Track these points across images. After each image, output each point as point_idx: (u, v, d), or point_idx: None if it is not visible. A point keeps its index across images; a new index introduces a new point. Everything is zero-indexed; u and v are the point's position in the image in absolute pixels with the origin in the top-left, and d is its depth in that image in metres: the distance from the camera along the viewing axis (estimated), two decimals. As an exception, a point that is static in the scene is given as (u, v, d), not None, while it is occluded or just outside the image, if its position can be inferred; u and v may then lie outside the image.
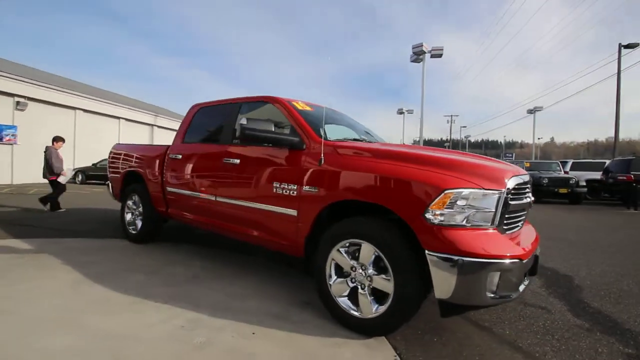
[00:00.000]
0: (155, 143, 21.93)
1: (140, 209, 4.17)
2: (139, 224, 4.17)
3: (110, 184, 4.79)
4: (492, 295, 1.85)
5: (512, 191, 2.04)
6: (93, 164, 15.96)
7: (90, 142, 17.68)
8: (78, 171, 15.82)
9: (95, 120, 18.28)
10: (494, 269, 1.80)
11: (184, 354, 1.85)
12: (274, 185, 2.59)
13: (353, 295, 2.21)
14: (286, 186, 2.51)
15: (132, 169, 4.29)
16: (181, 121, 3.82)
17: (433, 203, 1.86)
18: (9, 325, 2.06)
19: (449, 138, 53.63)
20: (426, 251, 1.87)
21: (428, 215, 1.87)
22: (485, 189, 1.90)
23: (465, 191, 1.86)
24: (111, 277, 2.94)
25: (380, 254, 2.04)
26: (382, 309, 2.04)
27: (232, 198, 2.94)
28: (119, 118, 19.89)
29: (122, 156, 4.59)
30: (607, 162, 13.02)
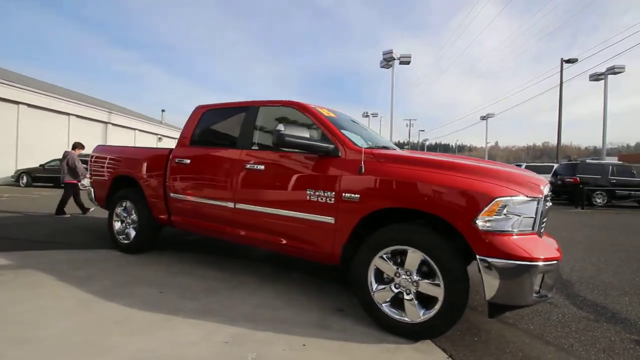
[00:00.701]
0: (109, 142, 20.35)
1: (133, 217, 3.87)
2: (132, 233, 3.87)
3: (92, 189, 4.38)
4: (536, 295, 1.99)
5: (545, 198, 2.22)
6: (41, 165, 14.45)
7: (37, 141, 16.00)
8: (22, 173, 14.23)
9: (41, 116, 16.56)
10: (539, 270, 1.95)
11: (244, 372, 1.76)
12: (308, 192, 2.55)
13: (396, 301, 2.25)
14: (322, 193, 2.49)
15: (124, 173, 3.96)
16: (185, 124, 3.61)
17: (484, 210, 1.96)
18: (35, 355, 1.82)
19: (408, 141, 56.06)
20: (477, 256, 1.97)
21: (479, 222, 1.97)
22: (528, 197, 2.04)
23: (513, 199, 1.99)
24: (121, 293, 2.71)
25: (429, 260, 2.10)
26: (431, 313, 2.11)
27: (256, 205, 2.84)
28: (69, 114, 18.21)
29: (108, 159, 4.22)
30: (556, 165, 14.46)
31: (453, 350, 2.07)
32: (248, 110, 3.19)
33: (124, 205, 3.97)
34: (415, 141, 63.65)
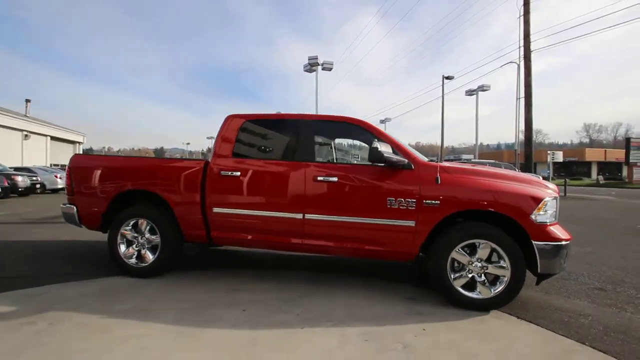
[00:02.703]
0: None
1: (149, 236, 3.48)
2: (149, 254, 3.47)
3: (74, 208, 3.67)
4: (564, 265, 2.86)
5: (555, 195, 3.13)
6: None
7: None
8: None
9: None
10: (567, 247, 2.81)
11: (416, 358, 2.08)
12: (389, 200, 2.92)
13: (467, 284, 2.85)
14: (403, 201, 2.89)
15: (135, 187, 3.49)
16: (219, 134, 3.43)
17: (537, 208, 2.72)
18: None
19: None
20: (534, 242, 2.72)
21: (533, 217, 2.73)
22: (555, 195, 2.89)
23: (549, 198, 2.81)
24: (204, 318, 2.57)
25: (497, 248, 2.76)
26: (499, 289, 2.77)
27: (331, 214, 3.04)
28: None
29: (103, 171, 3.62)
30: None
31: (515, 312, 2.78)
32: (304, 123, 3.31)
33: (131, 224, 3.50)
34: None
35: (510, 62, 21.08)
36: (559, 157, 20.04)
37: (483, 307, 2.81)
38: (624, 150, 32.73)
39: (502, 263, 2.78)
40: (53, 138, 29.33)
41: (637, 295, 3.26)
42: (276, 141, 3.48)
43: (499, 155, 50.62)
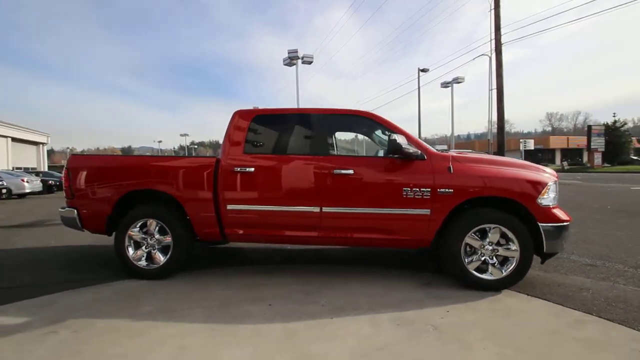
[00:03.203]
0: None
1: (159, 237, 3.41)
2: (160, 255, 3.40)
3: (76, 211, 3.51)
4: (564, 245, 3.08)
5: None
6: None
7: None
8: None
9: None
10: (568, 228, 3.03)
11: (455, 346, 2.20)
12: (404, 190, 3.02)
13: (479, 266, 3.02)
14: (418, 190, 3.00)
15: (144, 187, 3.39)
16: (228, 130, 3.39)
17: (542, 192, 2.92)
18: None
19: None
20: (540, 224, 2.91)
21: (539, 201, 2.92)
22: (555, 180, 3.10)
23: (551, 183, 3.01)
24: (232, 315, 2.58)
25: (507, 231, 2.94)
26: (510, 270, 2.96)
27: (349, 206, 3.10)
28: None
29: (106, 171, 3.49)
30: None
31: (524, 290, 2.98)
32: (315, 117, 3.33)
33: (139, 225, 3.41)
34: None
35: (482, 54, 21.88)
36: (530, 145, 21.18)
37: (495, 287, 2.99)
38: (586, 137, 34.95)
39: (511, 245, 2.97)
40: (15, 139, 27.48)
41: (625, 269, 3.57)
42: (288, 136, 3.49)
43: (471, 144, 52.64)
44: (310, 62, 21.35)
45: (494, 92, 19.06)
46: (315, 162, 3.20)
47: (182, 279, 3.42)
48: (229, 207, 3.28)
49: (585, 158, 43.60)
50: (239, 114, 3.46)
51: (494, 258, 3.00)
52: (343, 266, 3.86)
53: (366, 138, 4.08)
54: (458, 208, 3.03)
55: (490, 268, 3.00)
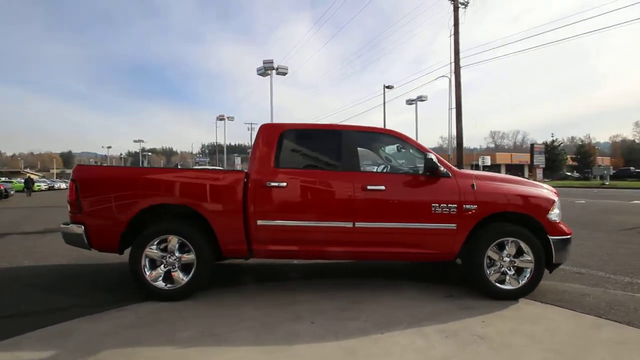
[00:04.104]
0: None
1: (178, 254, 3.23)
2: (180, 275, 3.22)
3: (83, 227, 3.21)
4: (568, 255, 3.44)
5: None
6: None
7: None
8: None
9: None
10: (571, 240, 3.40)
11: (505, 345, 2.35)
12: (433, 206, 3.19)
13: (499, 278, 3.26)
14: (446, 206, 3.20)
15: (164, 202, 3.21)
16: (257, 144, 3.34)
17: (552, 208, 3.26)
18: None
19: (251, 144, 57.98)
20: (550, 237, 3.24)
21: (549, 216, 3.26)
22: (558, 197, 3.48)
23: (557, 199, 3.38)
24: (281, 336, 2.53)
25: (522, 243, 3.22)
26: (525, 279, 3.23)
27: (381, 221, 3.21)
28: None
29: (121, 183, 3.26)
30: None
31: (537, 298, 3.27)
32: (345, 134, 3.43)
33: (156, 242, 3.21)
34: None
35: (442, 76, 23.54)
36: (488, 161, 23.08)
37: (514, 296, 3.24)
38: (527, 154, 38.70)
39: (526, 257, 3.25)
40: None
41: (607, 276, 4.04)
42: (317, 151, 3.53)
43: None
44: (285, 73, 21.48)
45: (454, 110, 20.65)
46: (348, 177, 3.27)
47: (202, 299, 3.26)
48: (259, 222, 3.21)
49: (526, 173, 48.20)
50: (267, 128, 3.45)
51: (511, 269, 3.27)
52: (364, 280, 3.92)
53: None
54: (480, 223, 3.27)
55: (508, 278, 3.25)
